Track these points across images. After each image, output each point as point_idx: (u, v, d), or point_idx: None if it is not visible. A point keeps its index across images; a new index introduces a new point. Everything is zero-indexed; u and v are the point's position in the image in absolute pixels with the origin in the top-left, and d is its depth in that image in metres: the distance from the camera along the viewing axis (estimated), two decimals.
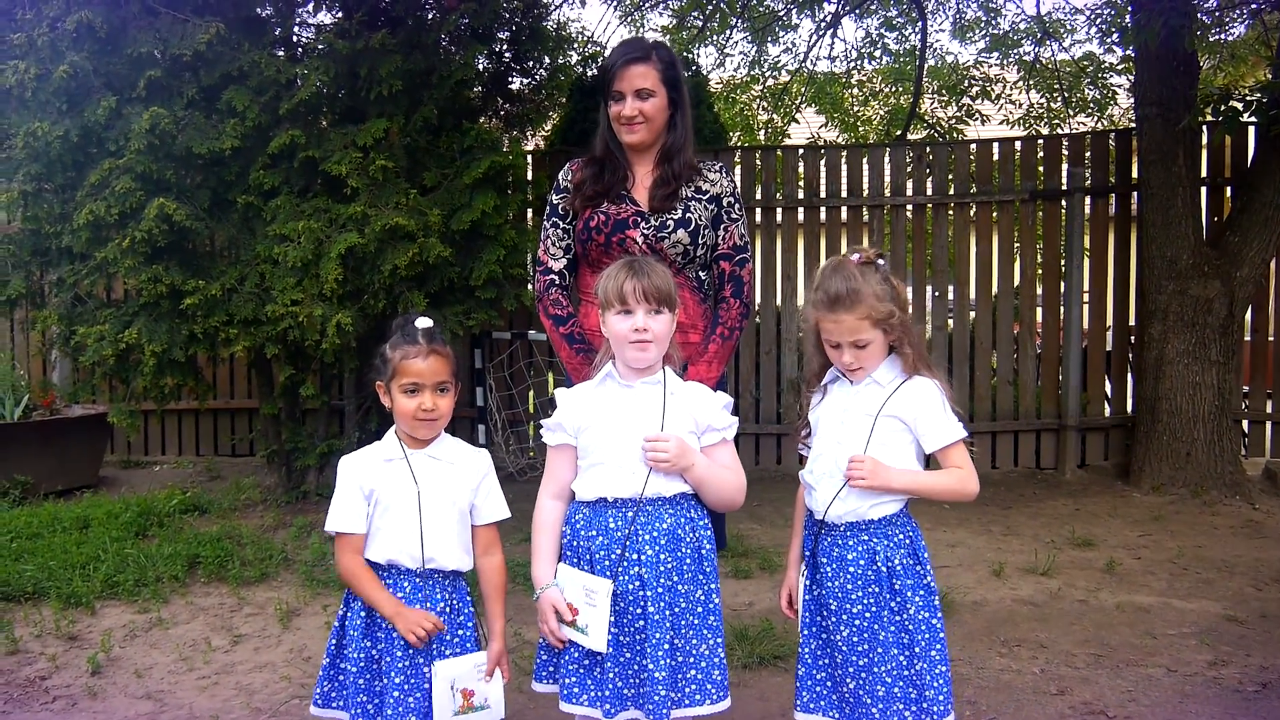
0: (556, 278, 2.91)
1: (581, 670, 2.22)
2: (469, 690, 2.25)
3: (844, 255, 2.30)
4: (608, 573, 2.20)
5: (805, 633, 2.30)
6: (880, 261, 2.27)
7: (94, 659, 3.48)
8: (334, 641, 2.32)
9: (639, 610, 2.18)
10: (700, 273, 2.91)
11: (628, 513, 2.22)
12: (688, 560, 2.23)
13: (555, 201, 2.95)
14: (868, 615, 2.20)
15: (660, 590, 2.17)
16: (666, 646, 2.15)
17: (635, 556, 2.20)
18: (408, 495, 2.27)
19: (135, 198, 4.70)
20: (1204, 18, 6.01)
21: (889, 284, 2.25)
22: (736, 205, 2.94)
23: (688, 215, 2.83)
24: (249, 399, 7.05)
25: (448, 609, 2.28)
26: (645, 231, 2.81)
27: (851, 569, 2.22)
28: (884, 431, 2.24)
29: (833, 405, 2.33)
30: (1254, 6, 6.35)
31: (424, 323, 2.32)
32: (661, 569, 2.19)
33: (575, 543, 2.27)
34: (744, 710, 3.05)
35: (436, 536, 2.27)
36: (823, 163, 6.83)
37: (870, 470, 2.19)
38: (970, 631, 3.72)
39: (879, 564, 2.21)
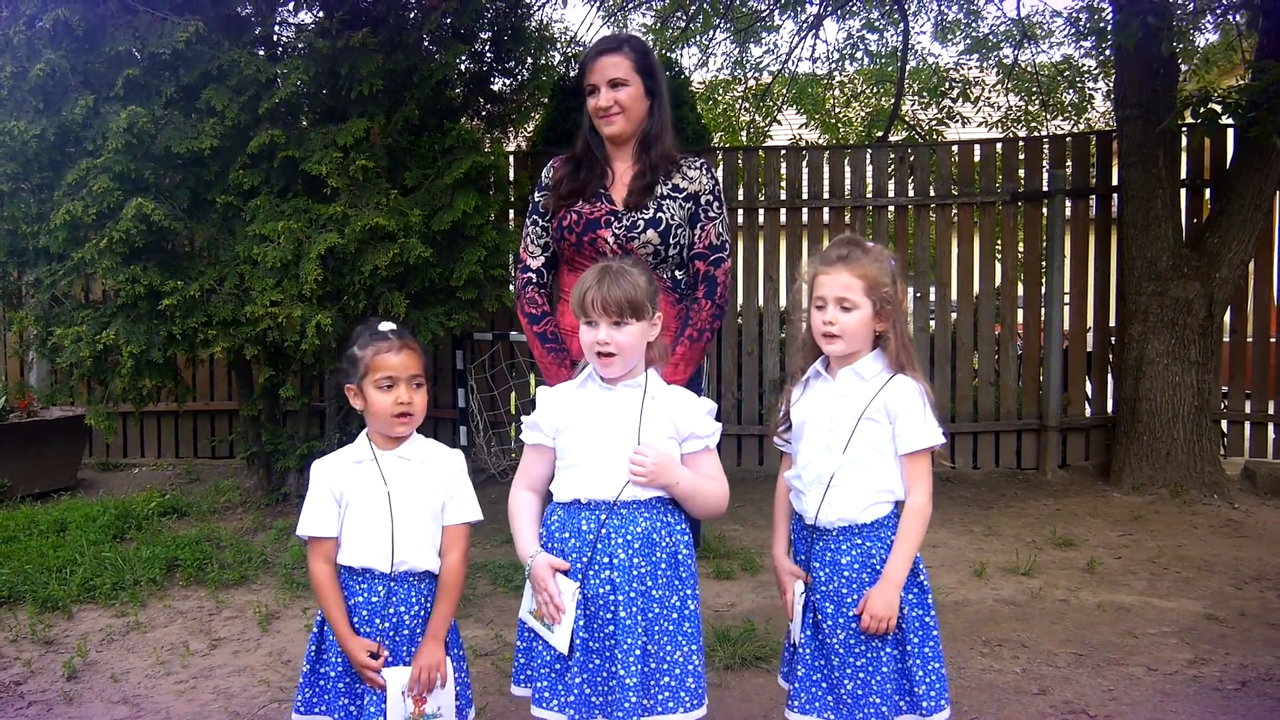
0: (534, 275, 2.89)
1: (553, 675, 2.20)
2: (421, 698, 2.23)
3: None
4: (577, 576, 2.18)
5: (804, 635, 2.29)
6: (893, 261, 2.31)
7: (70, 663, 3.44)
8: (314, 646, 2.30)
9: (609, 615, 2.15)
10: (676, 272, 2.88)
11: (600, 514, 2.20)
12: (663, 565, 2.20)
13: (537, 199, 2.95)
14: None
15: (633, 595, 2.15)
16: (638, 652, 2.12)
17: (606, 560, 2.17)
18: (378, 497, 2.25)
19: (113, 197, 4.65)
20: (1180, 23, 6.04)
21: (894, 273, 2.27)
22: (715, 204, 2.89)
23: (659, 215, 2.81)
24: (229, 400, 7.00)
25: (421, 612, 2.27)
26: (616, 231, 2.79)
27: (846, 572, 2.23)
28: (868, 432, 2.23)
29: (817, 405, 2.31)
30: (1221, 8, 6.39)
31: (388, 325, 2.32)
32: (634, 573, 2.16)
33: (549, 544, 2.26)
34: (727, 712, 3.04)
35: (407, 538, 2.24)
36: (804, 164, 6.83)
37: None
38: (952, 632, 3.72)
39: (874, 566, 2.22)
